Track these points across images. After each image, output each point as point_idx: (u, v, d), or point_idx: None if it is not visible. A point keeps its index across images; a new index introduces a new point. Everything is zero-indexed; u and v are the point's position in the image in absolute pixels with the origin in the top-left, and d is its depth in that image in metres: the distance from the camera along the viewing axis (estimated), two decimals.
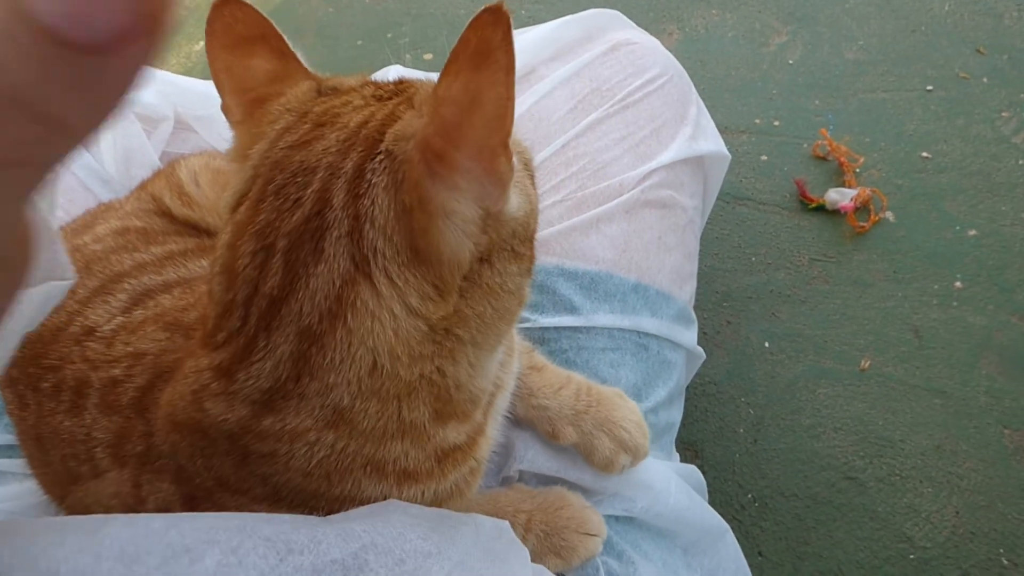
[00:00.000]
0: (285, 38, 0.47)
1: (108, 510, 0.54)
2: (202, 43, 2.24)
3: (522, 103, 0.87)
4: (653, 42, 0.93)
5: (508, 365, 0.58)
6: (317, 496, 0.46)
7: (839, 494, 1.08)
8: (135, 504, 0.52)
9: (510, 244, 0.42)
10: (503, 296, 0.43)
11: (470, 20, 0.33)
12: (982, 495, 1.04)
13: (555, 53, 0.91)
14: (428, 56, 1.92)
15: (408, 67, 1.22)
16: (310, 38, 2.10)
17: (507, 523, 0.53)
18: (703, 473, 0.86)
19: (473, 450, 0.52)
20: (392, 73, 1.06)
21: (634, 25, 0.98)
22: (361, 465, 0.44)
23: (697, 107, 0.92)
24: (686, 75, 0.95)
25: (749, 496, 1.09)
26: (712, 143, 0.90)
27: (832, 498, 1.07)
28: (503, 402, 0.58)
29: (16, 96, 0.16)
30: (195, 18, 2.34)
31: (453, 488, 0.51)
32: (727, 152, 0.93)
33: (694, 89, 0.95)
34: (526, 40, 0.91)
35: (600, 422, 0.66)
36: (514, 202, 0.42)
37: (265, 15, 0.46)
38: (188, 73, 2.27)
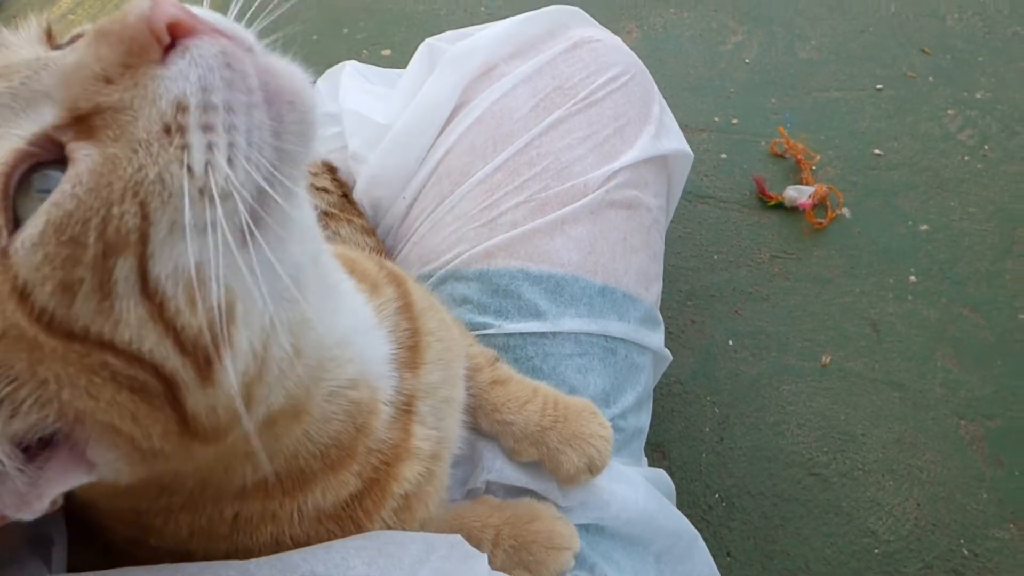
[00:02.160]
0: None
1: None
2: None
3: (484, 100, 0.84)
4: (615, 40, 0.92)
5: (441, 368, 0.55)
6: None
7: (804, 491, 1.08)
8: None
9: None
10: None
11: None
12: (942, 486, 1.06)
13: (516, 50, 0.89)
14: (386, 52, 1.87)
15: (366, 63, 1.19)
16: (265, 23, 2.03)
17: (459, 537, 0.51)
18: (670, 474, 0.85)
19: (389, 484, 0.48)
20: (347, 69, 1.03)
21: (596, 23, 0.96)
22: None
23: (660, 105, 0.91)
24: (648, 73, 0.93)
25: (716, 496, 1.09)
26: (676, 142, 0.89)
27: (798, 495, 1.08)
28: (440, 415, 0.55)
29: None
30: None
31: (393, 520, 0.49)
32: (690, 151, 0.92)
33: (656, 87, 0.94)
34: (487, 36, 0.89)
35: (567, 437, 0.63)
36: None
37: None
38: None
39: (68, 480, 0.34)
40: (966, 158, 1.48)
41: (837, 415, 1.15)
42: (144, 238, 0.31)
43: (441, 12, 1.98)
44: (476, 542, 0.58)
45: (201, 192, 0.31)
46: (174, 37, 0.32)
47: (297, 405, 0.42)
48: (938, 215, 1.40)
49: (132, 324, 0.32)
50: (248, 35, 0.36)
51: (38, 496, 0.33)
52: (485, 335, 0.72)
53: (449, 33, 0.96)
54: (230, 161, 0.32)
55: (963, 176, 1.45)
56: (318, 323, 0.41)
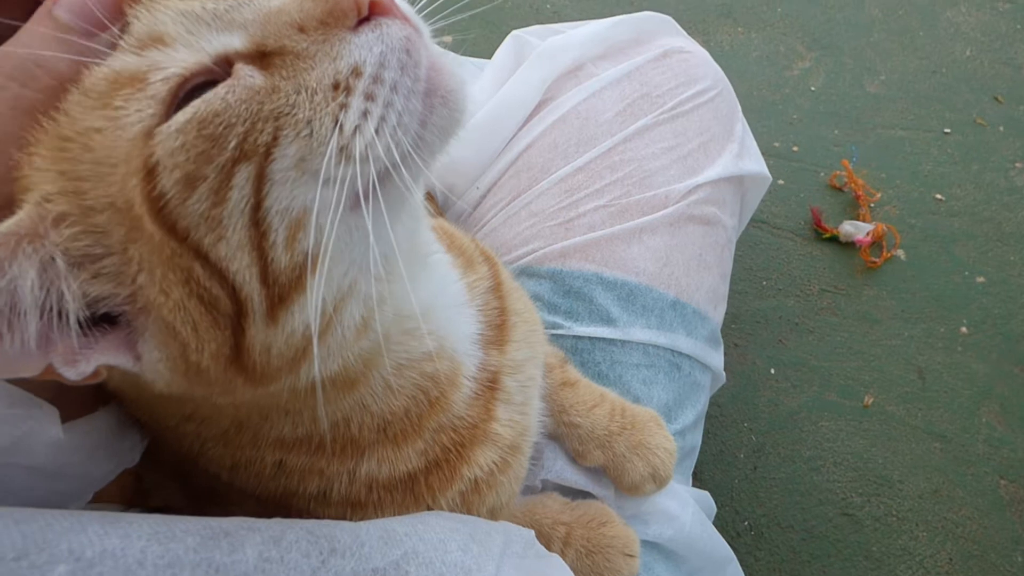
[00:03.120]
0: None
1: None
2: None
3: (570, 99, 0.83)
4: (704, 53, 0.91)
5: (523, 345, 0.54)
6: None
7: (835, 530, 1.07)
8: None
9: None
10: None
11: None
12: (976, 544, 1.04)
13: (604, 52, 0.88)
14: (448, 39, 1.87)
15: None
16: None
17: (532, 533, 0.51)
18: None
19: (460, 466, 0.48)
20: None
21: (685, 33, 0.95)
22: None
23: (743, 125, 0.90)
24: (733, 91, 0.92)
25: (746, 523, 1.07)
26: (756, 163, 0.88)
27: (828, 533, 1.06)
28: (526, 393, 0.54)
29: None
30: None
31: (458, 503, 0.49)
32: (769, 175, 0.91)
33: (739, 106, 0.93)
34: (576, 36, 0.88)
35: (634, 446, 0.63)
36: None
37: None
38: None
39: (113, 358, 0.36)
40: None
41: (875, 458, 1.14)
42: (267, 155, 0.34)
43: (506, 5, 1.98)
44: (546, 539, 0.58)
45: (341, 150, 0.34)
46: (371, 13, 0.36)
47: (354, 376, 0.43)
48: (996, 268, 1.37)
49: (232, 243, 0.34)
50: (428, 31, 0.38)
51: (86, 359, 0.35)
52: (554, 335, 0.72)
53: (537, 27, 0.95)
54: (376, 132, 0.35)
55: None
56: (396, 300, 0.42)
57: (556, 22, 1.91)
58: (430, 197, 0.89)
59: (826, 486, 1.11)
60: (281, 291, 0.35)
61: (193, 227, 0.33)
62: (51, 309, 0.33)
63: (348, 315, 0.38)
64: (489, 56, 1.82)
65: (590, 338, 0.72)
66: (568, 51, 0.86)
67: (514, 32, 0.93)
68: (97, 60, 0.34)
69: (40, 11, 0.35)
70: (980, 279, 1.36)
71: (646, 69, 0.86)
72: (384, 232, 0.36)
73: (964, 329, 1.29)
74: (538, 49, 0.86)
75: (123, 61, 0.34)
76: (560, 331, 0.72)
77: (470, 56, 1.81)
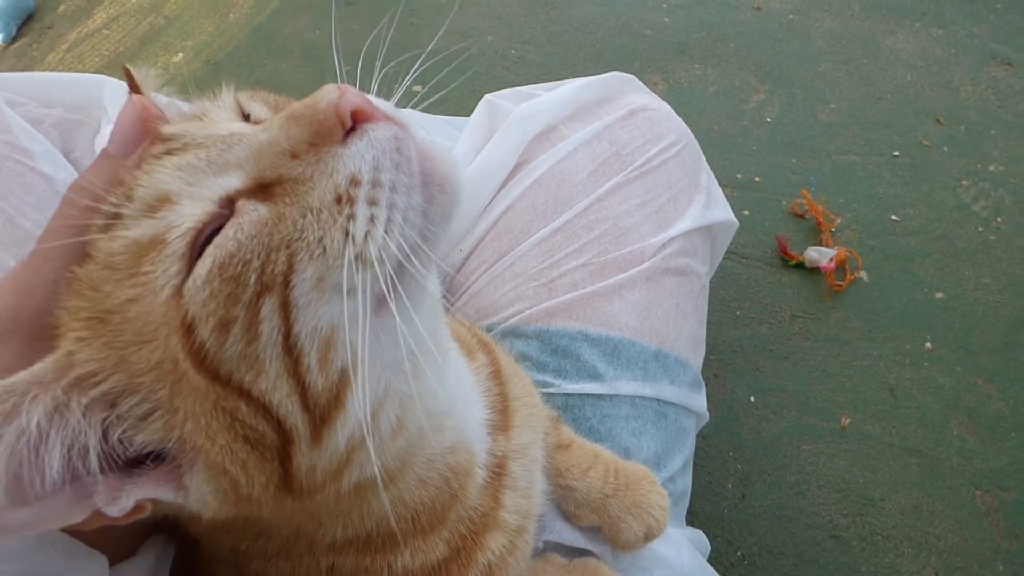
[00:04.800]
0: None
1: None
2: (181, 55, 2.17)
3: (545, 161, 0.87)
4: (667, 108, 0.96)
5: (523, 430, 0.57)
6: None
7: (824, 553, 1.10)
8: None
9: None
10: None
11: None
12: (959, 556, 1.09)
13: (574, 113, 0.93)
14: (417, 88, 1.91)
15: (395, 97, 1.21)
16: (295, 58, 2.07)
17: None
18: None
19: (475, 553, 0.50)
20: (417, 120, 1.06)
21: (647, 89, 1.00)
22: None
23: (707, 174, 0.95)
24: (696, 143, 0.97)
25: (739, 554, 1.10)
26: (723, 211, 0.93)
27: (818, 557, 1.10)
28: (530, 477, 0.57)
29: None
30: (174, 28, 2.28)
31: None
32: (736, 220, 0.95)
33: (703, 156, 0.98)
34: (546, 100, 0.92)
35: (628, 506, 0.66)
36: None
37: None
38: (165, 86, 2.19)
39: (157, 492, 0.37)
40: (980, 229, 1.53)
41: (856, 478, 1.18)
42: (287, 283, 0.35)
43: (473, 52, 2.03)
44: None
45: (356, 258, 0.36)
46: (355, 122, 0.37)
47: (393, 473, 0.44)
48: (953, 284, 1.44)
49: (271, 375, 0.35)
50: (411, 121, 0.40)
51: (127, 494, 0.36)
52: (545, 393, 0.74)
53: (508, 91, 0.99)
54: (386, 233, 0.36)
55: (977, 247, 1.50)
56: (428, 395, 0.43)
57: (521, 68, 1.99)
58: None
59: (812, 510, 1.15)
60: (322, 413, 0.37)
61: (234, 369, 0.35)
62: (77, 453, 0.35)
63: (385, 418, 0.40)
64: (459, 104, 1.87)
65: (579, 394, 0.75)
66: (539, 115, 0.90)
67: (486, 97, 0.97)
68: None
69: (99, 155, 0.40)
70: (939, 295, 1.43)
71: (614, 128, 0.90)
72: (413, 327, 0.38)
73: (928, 345, 1.35)
74: (511, 116, 0.89)
75: (139, 229, 0.36)
76: (550, 389, 0.75)
77: (440, 103, 1.86)
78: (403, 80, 0.50)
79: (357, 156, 0.36)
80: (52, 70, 2.19)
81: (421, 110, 1.18)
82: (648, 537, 0.66)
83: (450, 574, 0.50)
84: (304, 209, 0.36)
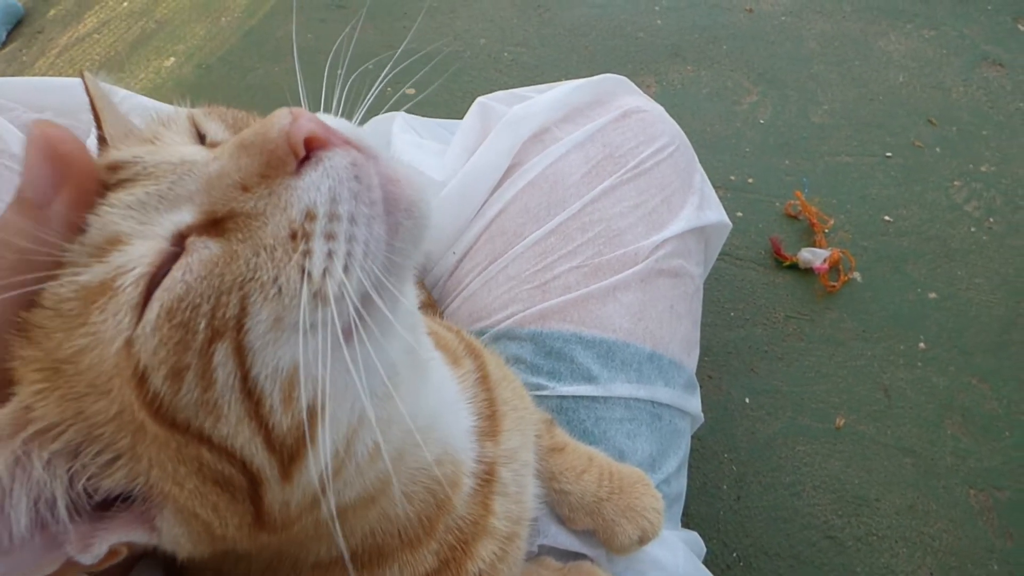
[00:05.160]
0: None
1: None
2: (172, 59, 2.17)
3: (538, 163, 0.87)
4: (660, 110, 0.96)
5: (512, 435, 0.56)
6: None
7: (820, 554, 1.10)
8: None
9: None
10: None
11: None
12: (954, 556, 1.09)
13: (567, 115, 0.93)
14: (410, 91, 1.92)
15: (389, 100, 1.22)
16: (288, 62, 2.07)
17: None
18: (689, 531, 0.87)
19: (465, 563, 0.49)
20: (398, 121, 1.06)
21: (640, 91, 1.00)
22: None
23: (700, 175, 0.95)
24: (689, 144, 0.97)
25: (735, 555, 1.10)
26: (716, 213, 0.93)
27: (813, 558, 1.10)
28: (520, 482, 0.56)
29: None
30: (165, 32, 2.27)
31: None
32: (729, 221, 0.96)
33: (696, 157, 0.98)
34: (539, 103, 0.92)
35: (623, 509, 0.65)
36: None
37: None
38: (158, 90, 2.19)
39: (130, 535, 0.36)
40: (972, 229, 1.54)
41: (851, 478, 1.18)
42: (240, 327, 0.33)
43: (465, 54, 2.03)
44: None
45: (314, 296, 0.33)
46: (309, 149, 0.35)
47: (374, 494, 0.43)
48: (946, 284, 1.45)
49: (231, 420, 0.34)
50: (372, 142, 0.38)
51: (100, 541, 0.35)
52: (539, 396, 0.74)
53: (501, 93, 0.99)
54: (346, 269, 0.34)
55: (969, 247, 1.50)
56: (404, 415, 0.41)
57: (514, 70, 1.99)
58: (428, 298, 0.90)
59: (807, 510, 1.15)
60: (290, 452, 0.35)
61: (192, 416, 0.33)
62: (43, 506, 0.33)
63: (360, 446, 0.38)
64: (452, 106, 1.87)
65: (574, 397, 0.75)
66: (532, 118, 0.90)
67: (479, 99, 0.97)
68: (53, 227, 0.34)
69: (15, 194, 0.35)
70: (932, 295, 1.43)
71: (607, 130, 0.90)
72: (383, 354, 0.36)
73: (922, 345, 1.36)
74: (504, 118, 0.89)
75: (89, 273, 0.34)
76: (544, 392, 0.75)
77: (433, 105, 1.86)
78: (379, 83, 0.49)
79: (312, 187, 0.34)
80: (42, 75, 2.18)
81: (414, 113, 1.19)
82: (643, 540, 0.66)
83: None
84: (257, 247, 0.33)
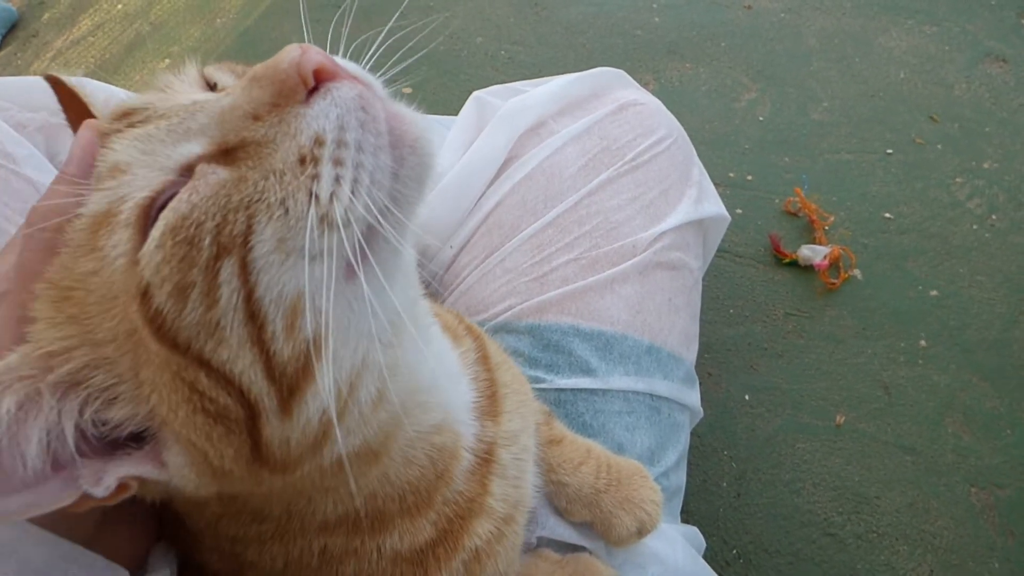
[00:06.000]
0: None
1: None
2: (168, 60, 2.16)
3: (535, 156, 0.86)
4: (657, 103, 0.95)
5: (511, 417, 0.56)
6: None
7: (820, 551, 1.09)
8: None
9: None
10: None
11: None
12: (955, 554, 1.08)
13: (563, 108, 0.92)
14: (407, 90, 1.91)
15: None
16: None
17: None
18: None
19: (461, 537, 0.50)
20: None
21: (637, 85, 0.99)
22: None
23: (698, 168, 0.94)
24: (687, 137, 0.97)
25: (734, 552, 1.09)
26: (715, 206, 0.92)
27: (813, 555, 1.09)
28: (520, 467, 0.56)
29: None
30: (161, 34, 2.27)
31: (461, 572, 0.50)
32: (727, 214, 0.95)
33: (694, 150, 0.97)
34: (535, 96, 0.91)
35: (620, 501, 0.65)
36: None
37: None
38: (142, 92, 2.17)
39: (138, 469, 0.37)
40: (974, 226, 1.53)
41: (851, 476, 1.17)
42: (246, 243, 0.34)
43: (462, 53, 2.03)
44: None
45: (321, 220, 0.34)
46: (318, 81, 0.36)
47: (376, 448, 0.43)
48: (947, 281, 1.44)
49: (232, 344, 0.34)
50: (379, 83, 0.39)
51: (109, 473, 0.36)
52: (537, 389, 0.74)
53: (497, 87, 0.98)
54: (353, 194, 0.35)
55: (971, 244, 1.49)
56: (408, 368, 0.42)
57: (510, 69, 1.98)
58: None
59: (807, 508, 1.14)
60: (290, 383, 0.35)
61: (193, 337, 0.34)
62: (57, 440, 0.34)
63: (364, 391, 0.38)
64: (449, 105, 1.86)
65: (572, 390, 0.74)
66: (529, 110, 0.89)
67: (475, 93, 0.96)
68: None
69: (59, 173, 0.40)
70: (933, 293, 1.42)
71: (604, 123, 0.89)
72: (385, 296, 0.36)
73: (923, 342, 1.35)
74: (500, 112, 0.89)
75: (93, 203, 0.36)
76: (543, 385, 0.74)
77: (430, 104, 1.85)
78: (366, 61, 0.48)
79: (321, 115, 0.35)
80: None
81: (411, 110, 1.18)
82: (641, 532, 0.65)
83: (437, 557, 0.49)
84: (267, 171, 0.35)
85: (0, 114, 0.77)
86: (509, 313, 0.79)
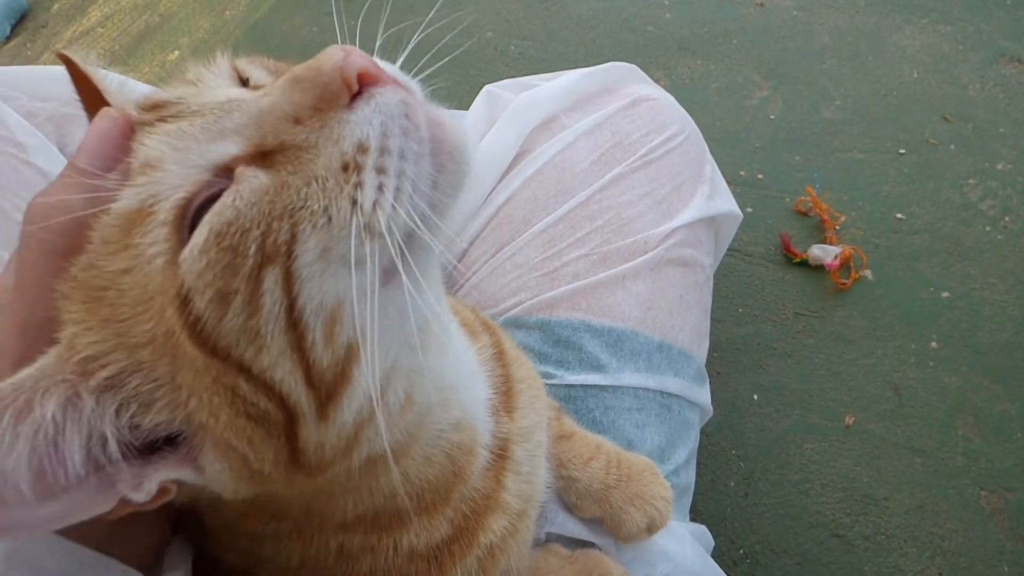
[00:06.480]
0: None
1: None
2: (177, 52, 2.16)
3: (546, 151, 0.86)
4: (670, 99, 0.94)
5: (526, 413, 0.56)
6: None
7: (828, 552, 1.09)
8: None
9: None
10: None
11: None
12: (963, 557, 1.07)
13: (575, 103, 0.91)
14: None
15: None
16: (293, 56, 2.05)
17: None
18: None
19: (476, 534, 0.50)
20: None
21: (650, 80, 0.99)
22: None
23: (711, 165, 0.94)
24: (700, 133, 0.96)
25: (741, 552, 1.09)
26: (727, 202, 0.91)
27: (821, 556, 1.08)
28: (533, 462, 0.56)
29: None
30: (170, 26, 2.26)
31: (475, 568, 0.50)
32: (739, 212, 0.94)
33: (707, 147, 0.96)
34: (547, 90, 0.91)
35: (630, 497, 0.65)
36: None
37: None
38: (162, 84, 2.17)
39: (178, 473, 0.36)
40: (987, 228, 1.51)
41: (860, 477, 1.16)
42: (290, 253, 0.33)
43: (472, 49, 2.02)
44: None
45: (364, 228, 0.34)
46: (361, 85, 0.35)
47: (401, 449, 0.43)
48: (959, 283, 1.42)
49: (272, 352, 0.34)
50: (418, 87, 0.39)
51: (149, 479, 0.35)
52: (547, 384, 0.73)
53: (508, 81, 0.97)
54: (395, 203, 0.35)
55: (984, 246, 1.48)
56: (432, 369, 0.42)
57: (521, 64, 1.97)
58: None
59: (816, 508, 1.13)
60: (328, 389, 0.35)
61: (233, 344, 0.34)
62: (95, 441, 0.34)
63: (393, 393, 0.38)
64: (459, 101, 1.86)
65: (582, 386, 0.74)
66: (540, 105, 0.89)
67: (486, 87, 0.95)
68: (108, 194, 0.35)
69: (68, 164, 0.37)
70: (945, 294, 1.41)
71: (616, 118, 0.89)
72: (422, 298, 0.36)
73: (934, 344, 1.34)
74: (511, 106, 0.88)
75: (126, 199, 0.35)
76: (553, 380, 0.74)
77: (440, 99, 1.85)
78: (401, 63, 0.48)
79: (364, 122, 0.35)
80: None
81: None
82: (651, 529, 0.65)
83: (453, 554, 0.49)
84: (309, 177, 0.34)
85: (10, 104, 0.77)
86: (519, 308, 0.78)
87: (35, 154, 0.70)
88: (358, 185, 0.34)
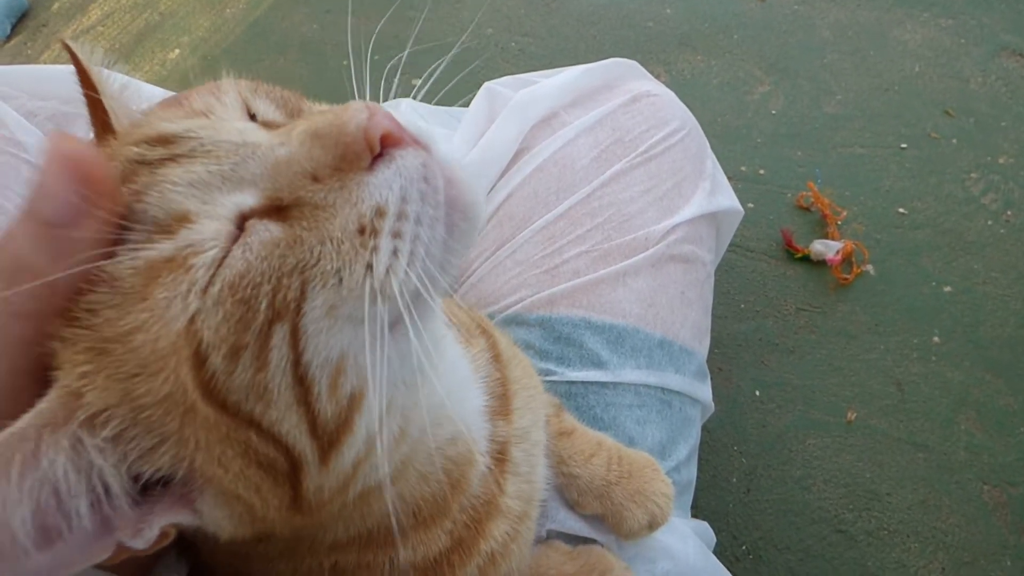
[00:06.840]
0: None
1: None
2: (177, 51, 2.16)
3: (546, 148, 0.86)
4: (671, 95, 0.94)
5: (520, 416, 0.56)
6: None
7: (830, 548, 1.09)
8: None
9: None
10: None
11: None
12: (966, 551, 1.07)
13: (575, 100, 0.91)
14: (416, 82, 1.90)
15: (394, 90, 1.19)
16: (293, 53, 2.06)
17: None
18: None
19: (477, 542, 0.49)
20: (403, 107, 1.04)
21: (650, 76, 0.98)
22: None
23: (712, 161, 0.93)
24: (700, 129, 0.95)
25: (743, 548, 1.09)
26: (728, 199, 0.91)
27: (824, 552, 1.08)
28: (532, 462, 0.56)
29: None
30: (170, 24, 2.26)
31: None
32: (741, 208, 0.94)
33: (708, 143, 0.96)
34: (547, 87, 0.90)
35: (632, 494, 0.65)
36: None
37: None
38: (163, 82, 2.19)
39: (176, 517, 0.36)
40: (989, 222, 1.51)
41: (863, 473, 1.16)
42: (299, 310, 0.33)
43: (473, 46, 2.02)
44: None
45: (375, 291, 0.34)
46: (383, 146, 0.35)
47: (394, 475, 0.43)
48: (961, 277, 1.42)
49: (280, 406, 0.34)
50: (437, 144, 0.38)
51: (149, 525, 0.35)
52: (548, 381, 0.73)
53: (508, 78, 0.97)
54: (407, 268, 0.35)
55: (986, 240, 1.48)
56: (426, 398, 0.42)
57: (521, 60, 1.97)
58: None
59: (818, 504, 1.13)
60: (330, 438, 0.35)
61: (243, 400, 0.33)
62: (99, 492, 0.33)
63: (387, 430, 0.38)
64: (459, 96, 1.85)
65: (583, 383, 0.74)
66: (540, 102, 0.88)
67: (486, 84, 0.95)
68: (77, 253, 0.32)
69: (24, 208, 0.32)
70: (947, 289, 1.41)
71: (617, 114, 0.88)
72: (423, 344, 0.36)
73: (936, 339, 1.33)
74: (511, 103, 0.88)
75: (156, 249, 0.33)
76: (553, 377, 0.74)
77: (440, 96, 1.84)
78: (396, 75, 0.48)
79: (384, 185, 0.34)
80: None
81: (420, 101, 1.17)
82: (652, 525, 0.65)
83: (452, 564, 0.49)
84: (324, 236, 0.34)
85: (10, 103, 0.77)
86: (520, 305, 0.78)
87: (35, 153, 0.70)
88: (374, 250, 0.34)
